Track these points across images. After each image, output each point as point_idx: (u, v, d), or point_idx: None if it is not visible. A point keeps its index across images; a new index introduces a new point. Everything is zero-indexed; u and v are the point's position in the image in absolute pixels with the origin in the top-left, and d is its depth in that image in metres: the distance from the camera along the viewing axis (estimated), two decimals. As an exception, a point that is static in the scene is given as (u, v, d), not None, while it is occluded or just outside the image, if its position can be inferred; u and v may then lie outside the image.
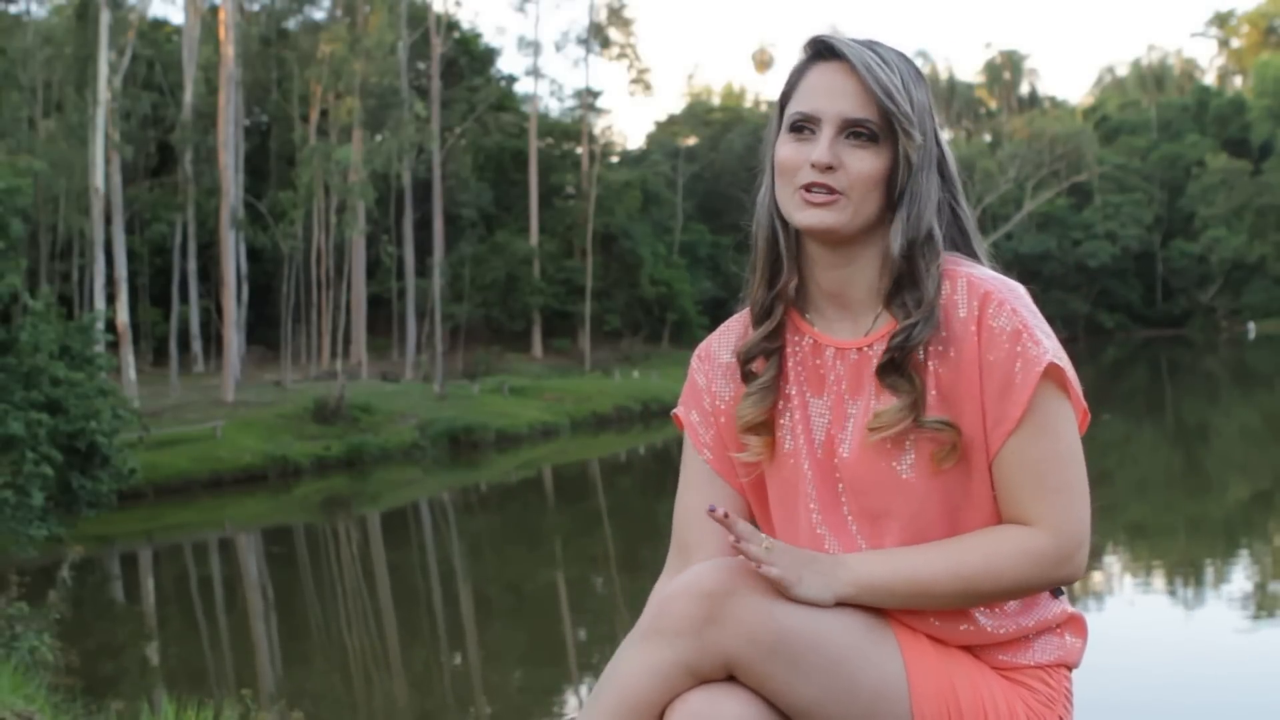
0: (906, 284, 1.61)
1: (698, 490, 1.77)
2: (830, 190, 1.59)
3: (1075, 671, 1.70)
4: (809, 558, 1.54)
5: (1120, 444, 24.90)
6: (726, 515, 1.50)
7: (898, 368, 1.59)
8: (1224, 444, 26.83)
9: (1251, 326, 67.38)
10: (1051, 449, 1.57)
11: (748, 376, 1.71)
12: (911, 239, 1.60)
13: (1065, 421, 1.59)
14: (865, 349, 1.64)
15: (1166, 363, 54.24)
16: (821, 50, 1.64)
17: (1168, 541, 15.59)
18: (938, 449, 1.59)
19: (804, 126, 1.62)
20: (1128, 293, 71.47)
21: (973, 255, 1.70)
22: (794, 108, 1.63)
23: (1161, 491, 20.08)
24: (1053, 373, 1.57)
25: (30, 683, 7.24)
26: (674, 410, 1.82)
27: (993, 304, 1.58)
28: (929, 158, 1.62)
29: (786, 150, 1.63)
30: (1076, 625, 1.70)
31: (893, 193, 1.61)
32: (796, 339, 1.70)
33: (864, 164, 1.59)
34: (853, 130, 1.59)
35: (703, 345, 1.81)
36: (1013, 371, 1.56)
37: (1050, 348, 1.57)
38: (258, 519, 22.43)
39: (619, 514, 21.12)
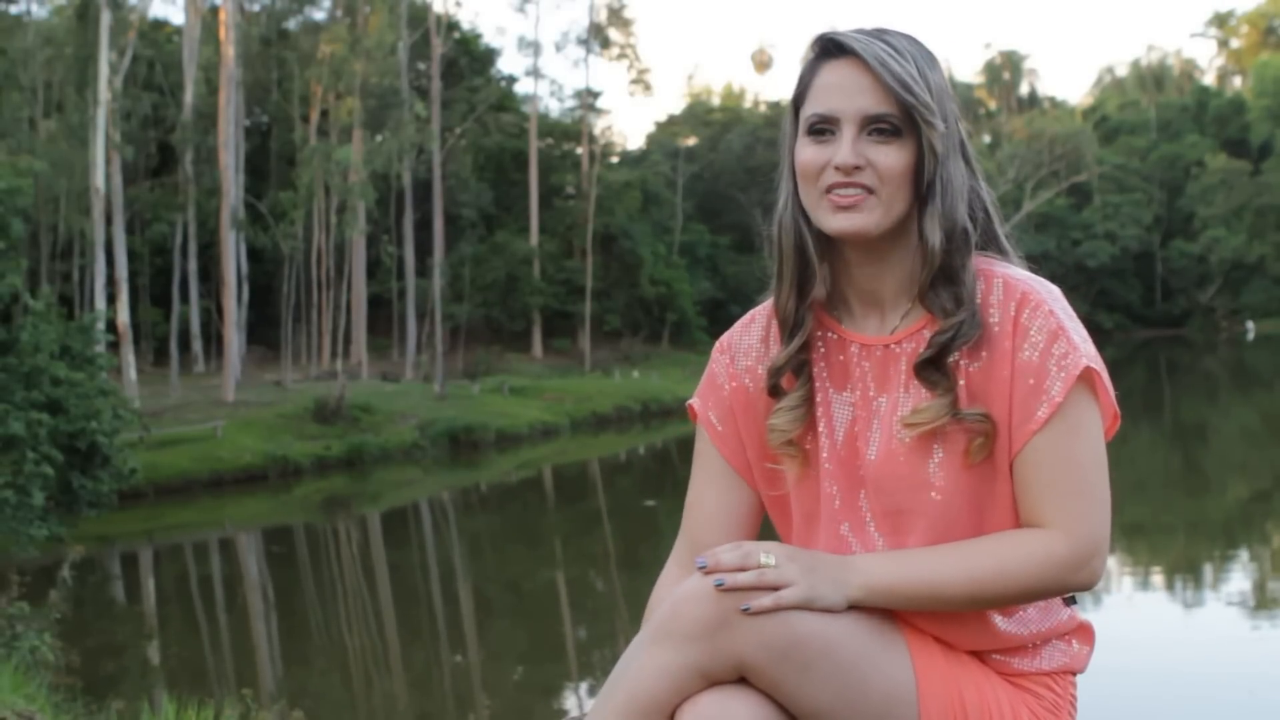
0: (942, 280, 1.58)
1: (712, 487, 1.75)
2: (860, 187, 1.55)
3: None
4: (816, 562, 1.52)
5: (1119, 444, 24.84)
6: (708, 570, 1.48)
7: (937, 365, 1.57)
8: (1223, 444, 26.83)
9: (1251, 326, 67.41)
10: (1075, 452, 1.55)
11: (775, 390, 1.68)
12: (948, 230, 1.57)
13: (1092, 426, 1.57)
14: (892, 345, 1.63)
15: (1165, 363, 54.23)
16: (829, 48, 1.59)
17: (1167, 541, 15.60)
18: (971, 442, 1.57)
19: (823, 128, 1.58)
20: (1127, 293, 71.49)
21: (996, 239, 1.67)
22: (810, 109, 1.59)
23: (1161, 491, 20.08)
24: (1086, 376, 1.55)
25: (31, 682, 7.25)
26: (689, 401, 1.79)
27: (1029, 305, 1.56)
28: (953, 143, 1.59)
29: (808, 154, 1.59)
30: (1085, 633, 1.69)
31: (920, 184, 1.57)
32: (820, 334, 1.68)
33: (890, 159, 1.55)
34: (874, 126, 1.55)
35: (724, 337, 1.78)
36: (1046, 373, 1.54)
37: (1086, 351, 1.55)
38: (258, 519, 22.43)
39: (619, 514, 21.12)
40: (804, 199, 1.61)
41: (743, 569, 1.48)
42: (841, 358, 1.66)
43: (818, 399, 1.67)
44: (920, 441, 1.59)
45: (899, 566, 1.54)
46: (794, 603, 1.47)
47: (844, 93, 1.56)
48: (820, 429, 1.66)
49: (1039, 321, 1.55)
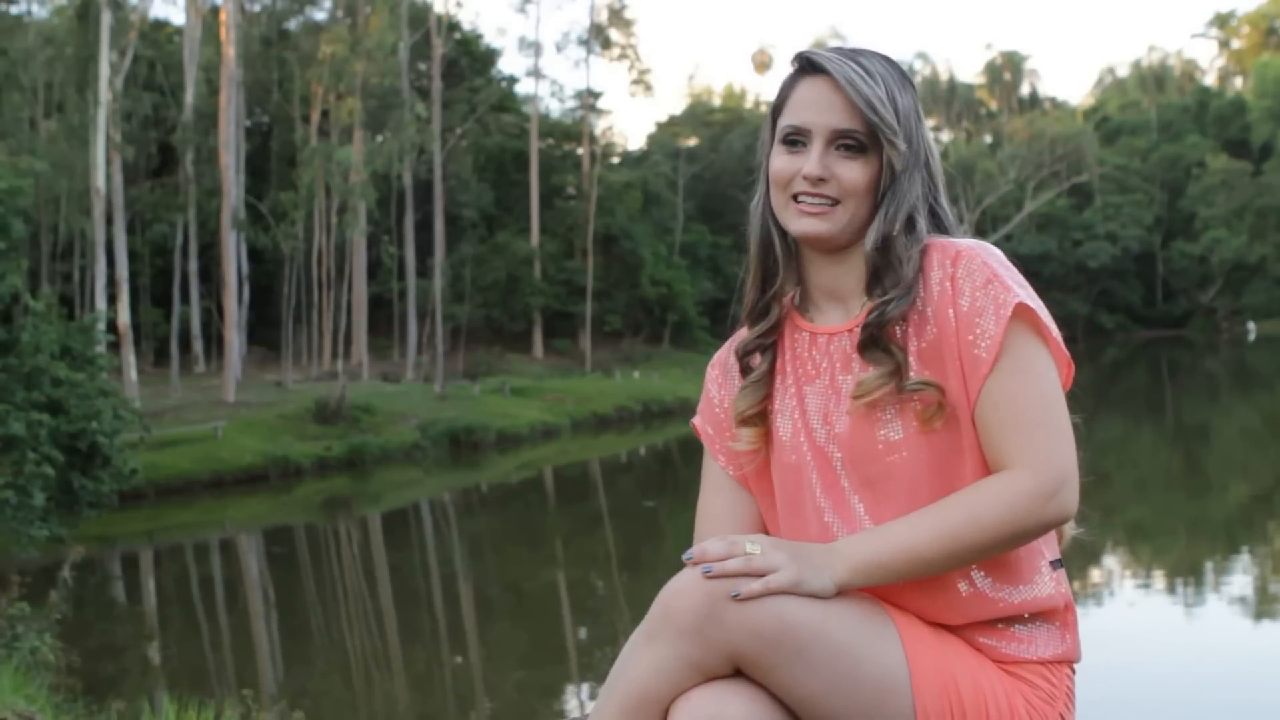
0: (885, 272, 1.68)
1: (716, 495, 1.83)
2: (826, 199, 1.67)
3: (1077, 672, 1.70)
4: (801, 550, 1.56)
5: (1120, 444, 24.90)
6: (694, 561, 1.53)
7: (876, 343, 1.65)
8: (1224, 444, 26.83)
9: (1251, 327, 67.41)
10: (1026, 388, 1.60)
11: (745, 372, 1.78)
12: (886, 233, 1.67)
13: (1041, 363, 1.62)
14: (853, 330, 1.71)
15: (1166, 363, 54.24)
16: (807, 65, 1.70)
17: (1168, 541, 15.59)
18: (924, 409, 1.63)
19: (796, 139, 1.69)
20: (1128, 293, 71.49)
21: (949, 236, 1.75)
22: (785, 121, 1.71)
23: (1161, 491, 20.08)
24: (1024, 314, 1.61)
25: (31, 683, 7.26)
26: (693, 420, 1.89)
27: (964, 259, 1.64)
28: (915, 160, 1.70)
29: (780, 162, 1.71)
30: (1071, 614, 1.71)
31: (878, 196, 1.68)
32: (794, 334, 1.77)
33: (853, 173, 1.67)
34: (841, 141, 1.67)
35: (718, 355, 1.89)
36: (983, 317, 1.61)
37: (1021, 294, 1.61)
38: (259, 519, 22.44)
39: (619, 514, 21.13)
40: (774, 203, 1.74)
41: (729, 557, 1.51)
42: (813, 351, 1.75)
43: (790, 388, 1.75)
44: (881, 411, 1.65)
45: (877, 540, 1.58)
46: (782, 586, 1.50)
47: (816, 108, 1.68)
48: (797, 415, 1.73)
49: (973, 272, 1.63)
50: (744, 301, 1.80)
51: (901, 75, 1.70)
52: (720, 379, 1.85)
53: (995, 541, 1.57)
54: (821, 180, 1.66)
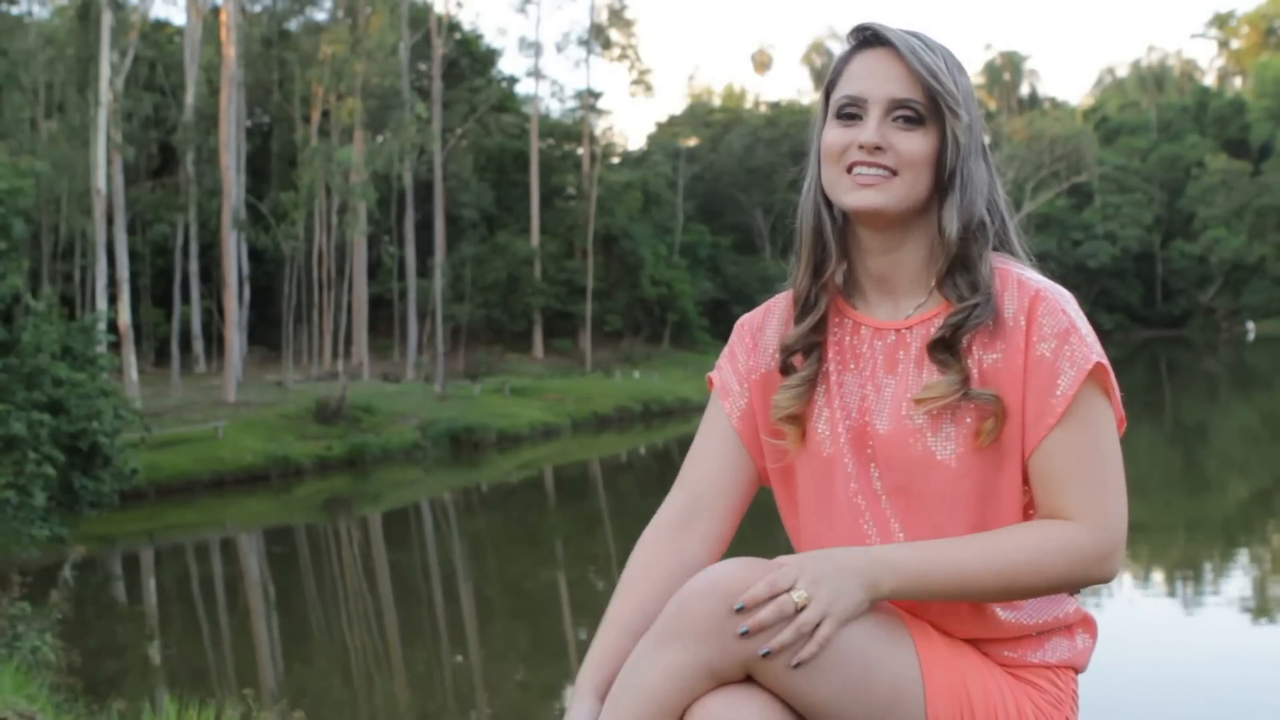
0: (959, 268, 1.63)
1: (719, 447, 1.77)
2: (881, 168, 1.60)
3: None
4: (836, 565, 1.51)
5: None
6: (750, 632, 1.47)
7: (949, 346, 1.61)
8: (1223, 444, 26.83)
9: (1251, 327, 67.44)
10: (1094, 446, 1.59)
11: (786, 368, 1.72)
12: (966, 221, 1.63)
13: (1107, 422, 1.61)
14: (903, 330, 1.67)
15: (1166, 363, 54.23)
16: (867, 37, 1.66)
17: (1168, 541, 15.60)
18: (981, 425, 1.59)
19: (852, 112, 1.63)
20: (1127, 293, 71.49)
21: (1009, 242, 1.72)
22: (841, 92, 1.65)
23: (1161, 491, 20.09)
24: (1098, 373, 1.59)
25: (32, 682, 7.26)
26: (709, 374, 1.83)
27: (1043, 304, 1.60)
28: (976, 142, 1.65)
29: (834, 135, 1.64)
30: (1087, 625, 1.71)
31: (941, 175, 1.63)
32: (837, 320, 1.72)
33: (912, 144, 1.61)
34: (900, 112, 1.61)
35: (746, 316, 1.82)
36: (1059, 368, 1.58)
37: (1097, 350, 1.59)
38: (259, 519, 22.44)
39: (619, 514, 21.12)
40: (826, 179, 1.66)
41: (779, 616, 1.46)
42: (853, 340, 1.70)
43: (831, 379, 1.70)
44: (930, 422, 1.62)
45: (927, 556, 1.55)
46: (827, 636, 1.47)
47: (874, 78, 1.63)
48: (835, 406, 1.69)
49: (1052, 320, 1.59)
50: (795, 292, 1.72)
51: (958, 61, 1.66)
52: (750, 343, 1.79)
53: (1043, 588, 1.58)
54: (879, 149, 1.60)
